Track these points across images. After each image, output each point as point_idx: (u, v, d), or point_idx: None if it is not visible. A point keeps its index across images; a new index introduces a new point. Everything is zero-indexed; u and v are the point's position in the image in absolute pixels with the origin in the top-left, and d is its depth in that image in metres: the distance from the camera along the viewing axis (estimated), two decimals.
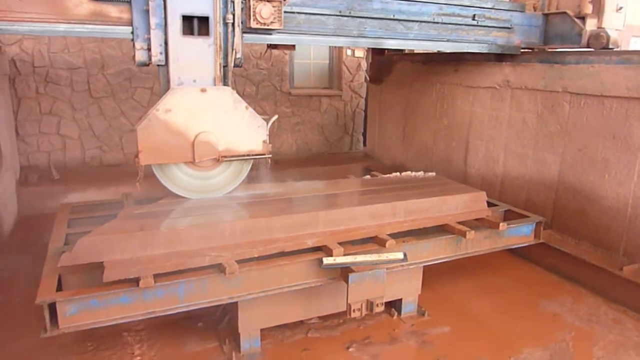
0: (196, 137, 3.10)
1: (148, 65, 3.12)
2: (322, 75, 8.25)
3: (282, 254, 2.88)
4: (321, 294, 3.18)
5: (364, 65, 8.19)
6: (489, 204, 3.90)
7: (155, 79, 6.90)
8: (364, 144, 8.15)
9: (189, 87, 3.08)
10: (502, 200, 4.66)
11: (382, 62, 6.96)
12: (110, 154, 6.87)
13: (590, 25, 4.31)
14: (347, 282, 2.81)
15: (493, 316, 3.58)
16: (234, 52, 3.19)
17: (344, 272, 2.87)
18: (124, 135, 6.88)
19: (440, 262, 3.36)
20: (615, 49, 4.21)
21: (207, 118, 3.12)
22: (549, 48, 4.62)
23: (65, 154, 6.63)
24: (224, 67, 3.20)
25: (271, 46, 3.83)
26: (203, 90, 3.08)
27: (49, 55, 6.37)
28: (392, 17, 3.89)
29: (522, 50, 4.62)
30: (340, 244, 2.98)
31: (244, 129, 3.22)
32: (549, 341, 3.28)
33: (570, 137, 4.25)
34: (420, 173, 4.24)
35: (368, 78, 7.74)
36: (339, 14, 3.69)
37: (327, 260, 2.86)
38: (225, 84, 3.22)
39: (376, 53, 7.18)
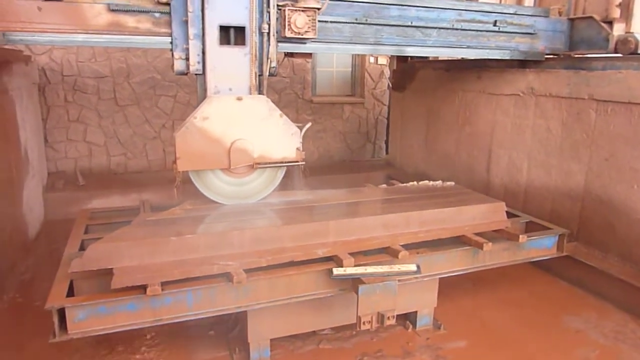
0: (232, 144, 3.18)
1: (186, 74, 3.23)
2: (345, 82, 8.25)
3: (292, 264, 2.85)
4: (333, 305, 3.14)
5: (387, 72, 8.14)
6: (510, 215, 3.79)
7: (179, 87, 7.03)
8: (386, 152, 8.08)
9: (225, 96, 3.17)
10: (526, 211, 4.52)
11: (405, 69, 6.90)
12: (135, 161, 7.00)
13: (618, 30, 4.16)
14: (357, 293, 2.76)
15: (512, 331, 3.47)
16: (269, 61, 3.26)
17: (355, 283, 2.82)
18: (147, 143, 7.01)
19: (457, 275, 3.28)
20: None
21: (243, 126, 3.21)
22: (575, 54, 4.48)
23: (91, 160, 6.81)
24: (259, 75, 3.28)
25: (288, 54, 3.85)
26: (239, 99, 3.17)
27: (77, 64, 6.56)
28: (409, 24, 3.84)
29: (547, 56, 4.50)
30: (352, 254, 2.94)
31: (278, 137, 3.30)
32: (571, 359, 3.14)
33: (597, 146, 4.10)
34: (439, 182, 4.17)
35: (391, 85, 7.69)
36: (355, 21, 3.67)
37: (337, 271, 2.82)
38: (260, 92, 3.30)
39: (399, 60, 7.13)
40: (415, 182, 4.18)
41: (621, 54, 4.11)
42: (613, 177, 3.98)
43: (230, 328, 3.36)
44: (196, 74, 3.20)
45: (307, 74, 7.70)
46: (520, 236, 3.38)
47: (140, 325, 2.53)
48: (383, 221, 3.23)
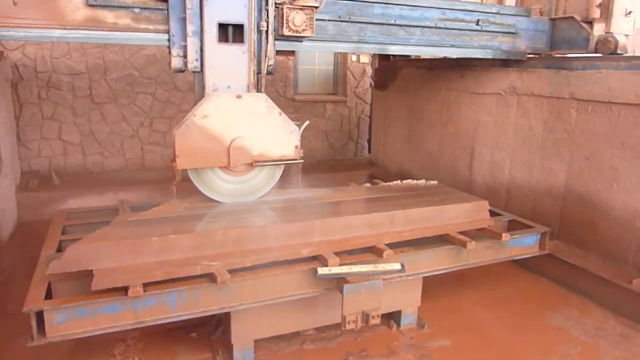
0: (232, 142, 3.22)
1: (184, 71, 3.25)
2: (327, 81, 8.27)
3: (276, 264, 2.86)
4: (317, 305, 3.16)
5: (369, 71, 8.19)
6: (493, 214, 3.86)
7: (158, 85, 6.96)
8: (369, 151, 8.14)
9: (225, 94, 3.21)
10: (509, 209, 4.62)
11: (387, 67, 6.96)
12: (112, 160, 6.92)
13: (598, 30, 4.27)
14: (342, 293, 2.80)
15: (496, 329, 3.53)
16: (267, 59, 3.30)
17: (339, 282, 2.85)
18: (125, 141, 6.93)
19: (441, 273, 3.34)
20: (623, 54, 4.17)
21: (242, 124, 3.24)
22: (556, 53, 4.58)
23: (66, 159, 6.70)
24: (257, 73, 3.32)
25: None
26: (238, 97, 3.21)
27: (52, 60, 6.45)
28: (393, 22, 3.88)
29: (529, 55, 4.60)
30: (337, 253, 2.97)
31: (277, 135, 3.35)
32: (553, 356, 3.23)
33: (578, 145, 4.21)
34: (422, 181, 4.22)
35: (373, 84, 7.74)
36: (338, 19, 3.70)
37: (321, 271, 2.84)
38: (258, 90, 3.34)
39: (381, 59, 7.18)
40: (398, 181, 4.22)
41: (601, 53, 4.22)
42: (593, 175, 4.09)
43: (213, 329, 3.35)
44: (194, 72, 3.22)
45: (289, 71, 7.71)
46: (503, 235, 3.45)
47: (121, 327, 2.52)
48: (367, 220, 3.26)
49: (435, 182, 4.28)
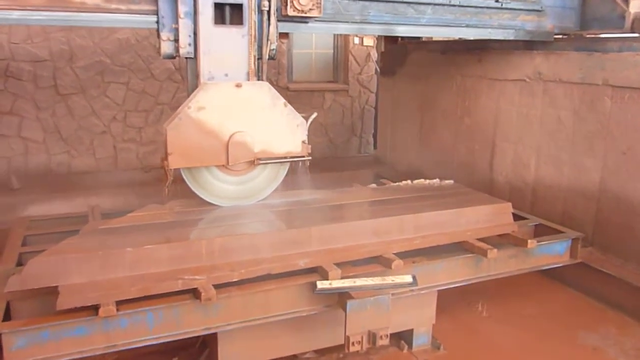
0: (231, 137, 3.25)
1: (174, 58, 3.27)
2: (326, 67, 8.27)
3: (269, 277, 2.86)
4: (316, 324, 3.15)
5: (374, 55, 8.19)
6: (517, 217, 3.87)
7: (132, 73, 6.96)
8: (375, 147, 8.14)
9: (222, 83, 3.22)
10: (535, 212, 4.61)
11: (395, 51, 6.96)
12: (80, 160, 6.91)
13: (635, 7, 4.26)
14: (345, 310, 2.79)
15: (521, 350, 3.53)
16: (269, 42, 3.33)
17: (342, 298, 2.85)
18: (95, 138, 6.93)
19: (458, 286, 3.34)
20: None
21: (242, 116, 3.27)
22: (587, 34, 4.59)
23: (27, 159, 6.69)
24: (258, 59, 3.33)
25: None
26: (238, 86, 3.23)
27: (10, 46, 6.44)
28: None
29: (556, 36, 4.60)
30: (338, 265, 2.97)
31: (282, 129, 3.38)
32: None
33: (613, 138, 4.21)
34: (436, 181, 4.24)
35: (379, 70, 7.74)
36: None
37: (321, 285, 2.84)
38: (259, 78, 3.35)
39: (388, 41, 7.18)
40: (409, 181, 4.23)
41: (639, 33, 4.22)
42: (632, 173, 4.08)
43: (198, 353, 3.35)
44: (187, 58, 3.22)
45: (282, 56, 7.71)
46: (529, 241, 3.45)
47: (91, 352, 2.51)
48: (373, 226, 3.26)
49: (451, 181, 4.29)
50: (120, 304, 2.51)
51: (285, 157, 3.44)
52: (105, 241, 2.82)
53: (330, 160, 8.05)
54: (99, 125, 6.94)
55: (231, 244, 2.91)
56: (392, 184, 4.27)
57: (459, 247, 3.40)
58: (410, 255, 3.22)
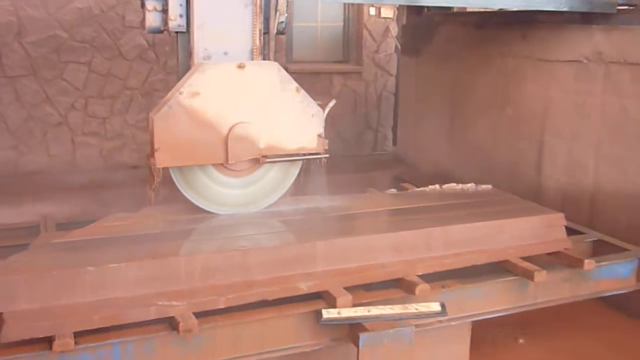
0: (231, 130, 3.29)
1: (162, 32, 3.31)
2: (334, 43, 8.27)
3: (264, 304, 2.87)
4: None
5: (394, 29, 8.20)
6: (571, 232, 3.88)
7: (95, 51, 6.97)
8: (394, 143, 8.13)
9: (221, 63, 3.25)
10: (594, 225, 4.59)
11: (419, 25, 6.96)
12: (30, 157, 6.92)
13: None
14: (357, 345, 2.79)
15: None
16: (277, 14, 3.37)
17: (353, 330, 2.86)
18: (49, 131, 6.94)
19: (497, 316, 3.35)
20: None
21: (245, 104, 3.32)
22: None
23: None
24: (264, 34, 3.37)
25: None
26: (240, 67, 3.25)
27: None
28: None
29: (620, 7, 4.59)
30: (349, 289, 2.97)
31: (293, 119, 3.43)
32: None
33: None
34: (470, 185, 4.26)
35: (399, 48, 7.73)
36: None
37: (328, 314, 2.84)
38: (265, 57, 3.40)
39: (411, 12, 7.18)
40: (437, 186, 4.24)
41: None
42: None
43: None
44: (177, 32, 3.27)
45: None
46: (586, 261, 3.45)
47: None
48: (393, 241, 3.28)
49: (489, 186, 4.31)
50: (79, 335, 2.51)
51: (297, 154, 3.48)
52: (60, 258, 2.82)
53: (338, 159, 8.02)
54: (54, 115, 6.94)
55: (217, 262, 2.92)
56: (416, 189, 4.28)
57: (499, 268, 3.41)
58: (439, 277, 3.22)
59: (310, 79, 7.96)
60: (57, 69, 6.89)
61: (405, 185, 4.64)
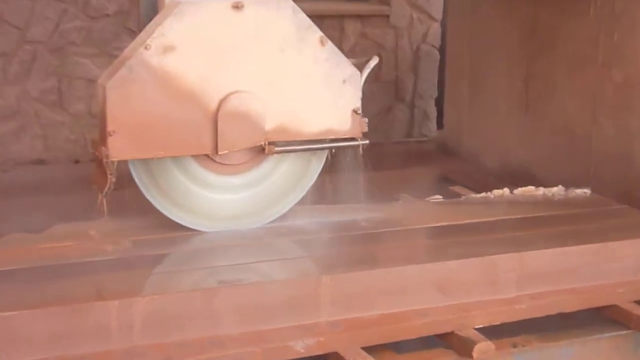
0: (222, 103, 3.35)
1: None
2: None
3: None
4: None
5: None
6: None
7: None
8: (439, 125, 8.14)
9: (208, 1, 3.29)
10: None
11: None
12: None
13: None
14: None
15: None
16: None
17: None
18: None
19: None
20: None
21: (244, 64, 3.37)
22: None
23: None
24: None
25: None
26: (237, 6, 3.32)
27: None
28: None
29: None
30: (368, 350, 2.97)
31: (316, 87, 3.50)
32: None
33: None
34: (558, 190, 4.31)
35: None
36: None
37: None
38: None
39: None
40: (505, 190, 4.29)
41: None
42: None
43: None
44: None
45: None
46: None
47: None
48: (438, 276, 3.29)
49: (587, 190, 4.36)
50: None
51: (322, 140, 3.55)
52: None
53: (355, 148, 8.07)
54: None
55: (169, 308, 2.92)
56: (474, 195, 4.31)
57: (602, 317, 3.43)
58: (509, 331, 3.24)
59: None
60: None
61: (457, 189, 4.63)
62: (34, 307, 2.82)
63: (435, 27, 8.36)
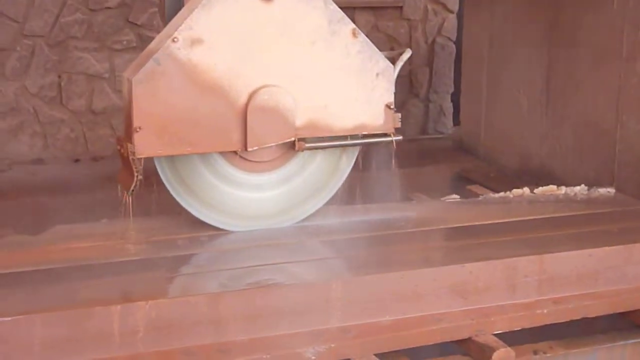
0: (251, 98, 3.39)
1: None
2: None
3: None
4: None
5: None
6: None
7: None
8: (455, 121, 8.13)
9: None
10: None
11: None
12: None
13: None
14: None
15: None
16: None
17: None
18: None
19: None
20: None
21: (274, 58, 3.41)
22: None
23: None
24: None
25: None
26: None
27: None
28: None
29: None
30: (382, 356, 2.97)
31: (348, 81, 3.53)
32: None
33: None
34: (581, 189, 4.30)
35: None
36: None
37: None
38: None
39: None
40: (524, 189, 4.28)
41: None
42: None
43: None
44: None
45: None
46: None
47: None
48: (455, 279, 3.28)
49: (611, 189, 4.35)
50: None
51: (354, 136, 3.59)
52: None
53: (367, 146, 8.06)
54: None
55: (172, 313, 2.91)
56: (492, 194, 4.30)
57: (629, 323, 3.42)
58: (530, 337, 3.23)
59: None
60: None
61: (475, 188, 4.62)
62: (35, 312, 2.81)
63: (451, 19, 8.35)
